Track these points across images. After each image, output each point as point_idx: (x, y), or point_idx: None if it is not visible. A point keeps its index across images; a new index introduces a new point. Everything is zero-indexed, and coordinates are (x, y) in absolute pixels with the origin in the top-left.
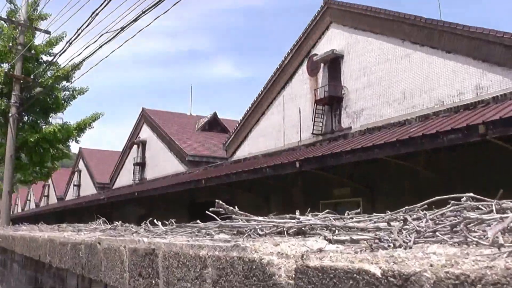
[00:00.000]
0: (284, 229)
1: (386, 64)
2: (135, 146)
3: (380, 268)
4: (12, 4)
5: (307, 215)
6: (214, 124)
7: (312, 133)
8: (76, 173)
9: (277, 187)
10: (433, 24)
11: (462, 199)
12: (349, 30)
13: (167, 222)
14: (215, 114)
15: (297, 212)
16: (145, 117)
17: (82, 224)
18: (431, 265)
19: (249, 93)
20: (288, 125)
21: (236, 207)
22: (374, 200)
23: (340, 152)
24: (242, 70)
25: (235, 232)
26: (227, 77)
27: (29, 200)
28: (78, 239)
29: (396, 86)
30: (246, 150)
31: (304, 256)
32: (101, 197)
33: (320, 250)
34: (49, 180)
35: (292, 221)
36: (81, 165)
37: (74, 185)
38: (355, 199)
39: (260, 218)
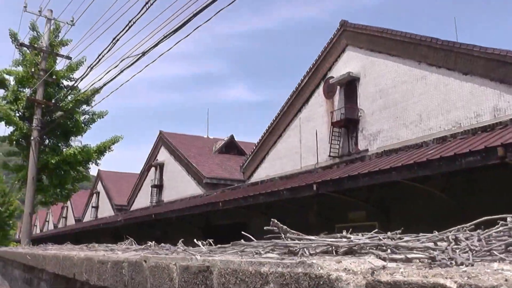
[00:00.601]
0: (333, 248)
1: (402, 86)
2: (152, 169)
3: (455, 282)
4: (35, 31)
5: (357, 234)
6: (231, 147)
7: (329, 156)
8: (95, 195)
9: (293, 210)
10: (449, 45)
11: (508, 219)
12: (365, 52)
13: (204, 242)
14: (232, 137)
15: (344, 232)
16: (162, 140)
17: (112, 244)
18: (506, 280)
19: (265, 116)
20: (305, 148)
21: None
22: (389, 224)
23: (357, 174)
24: (258, 93)
25: (286, 251)
26: (243, 100)
27: (48, 221)
28: (120, 257)
29: (413, 108)
30: (263, 172)
31: (375, 272)
32: (118, 219)
33: (384, 267)
34: (68, 202)
35: (344, 240)
36: (99, 187)
37: (92, 207)
38: (371, 223)
39: (313, 237)
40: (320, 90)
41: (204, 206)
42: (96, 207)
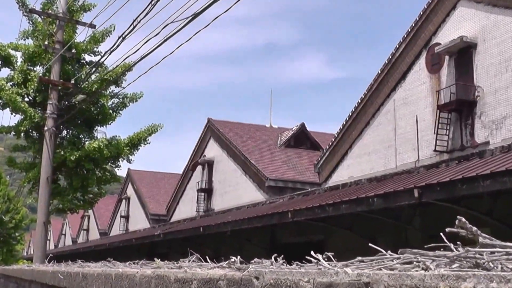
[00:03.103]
0: None
1: None
2: (199, 167)
3: None
4: None
5: None
6: (301, 139)
7: (435, 150)
8: (124, 201)
9: (386, 224)
10: None
11: None
12: (484, 9)
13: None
14: (302, 125)
15: None
16: (212, 130)
17: (181, 260)
18: None
19: (346, 98)
20: (401, 140)
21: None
22: None
23: (476, 176)
24: (337, 67)
25: (472, 265)
26: (317, 77)
27: (64, 234)
28: (214, 274)
29: None
30: (345, 172)
31: None
32: (155, 232)
33: None
34: (89, 210)
35: None
36: (130, 191)
37: (121, 217)
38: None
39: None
40: (422, 62)
41: (268, 217)
42: (126, 217)
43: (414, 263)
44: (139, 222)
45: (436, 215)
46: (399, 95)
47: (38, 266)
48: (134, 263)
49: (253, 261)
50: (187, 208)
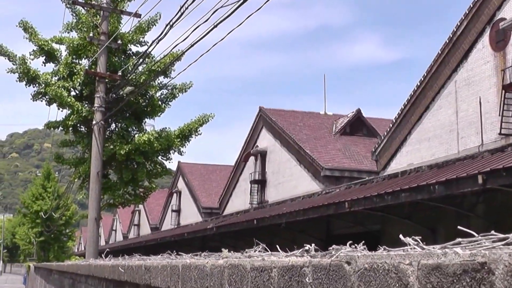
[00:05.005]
0: None
1: None
2: (251, 158)
3: None
4: None
5: None
6: (357, 126)
7: (500, 133)
8: (175, 195)
9: (447, 213)
10: None
11: None
12: None
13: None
14: (358, 111)
15: None
16: (264, 120)
17: (247, 251)
18: None
19: (404, 81)
20: (464, 123)
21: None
22: None
23: None
24: (394, 49)
25: None
26: (372, 60)
27: (115, 230)
28: (297, 261)
29: None
30: (404, 160)
31: None
32: (209, 226)
33: None
34: (140, 205)
35: None
36: (180, 184)
37: (173, 211)
38: None
39: None
40: (485, 39)
41: (323, 208)
42: (178, 211)
43: None
44: (190, 216)
45: (501, 201)
46: (461, 76)
47: (95, 260)
48: (195, 255)
49: (304, 249)
50: (240, 200)
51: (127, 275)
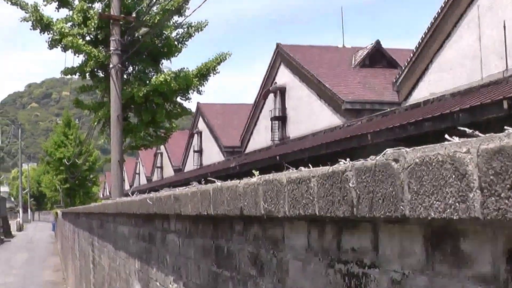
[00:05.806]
0: None
1: None
2: (271, 95)
3: None
4: None
5: None
6: (377, 57)
7: None
8: (196, 135)
9: None
10: None
11: None
12: None
13: None
14: (377, 43)
15: None
16: (282, 56)
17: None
18: None
19: (423, 9)
20: (487, 50)
21: None
22: None
23: None
24: None
25: None
26: None
27: (138, 173)
28: (337, 167)
29: None
30: (426, 89)
31: None
32: (231, 164)
33: None
34: (162, 147)
35: None
36: (201, 125)
37: (195, 151)
38: None
39: None
40: None
41: (345, 142)
42: (200, 151)
43: None
44: (213, 156)
45: None
46: (484, 1)
47: (122, 198)
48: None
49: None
50: (261, 138)
51: (156, 207)
